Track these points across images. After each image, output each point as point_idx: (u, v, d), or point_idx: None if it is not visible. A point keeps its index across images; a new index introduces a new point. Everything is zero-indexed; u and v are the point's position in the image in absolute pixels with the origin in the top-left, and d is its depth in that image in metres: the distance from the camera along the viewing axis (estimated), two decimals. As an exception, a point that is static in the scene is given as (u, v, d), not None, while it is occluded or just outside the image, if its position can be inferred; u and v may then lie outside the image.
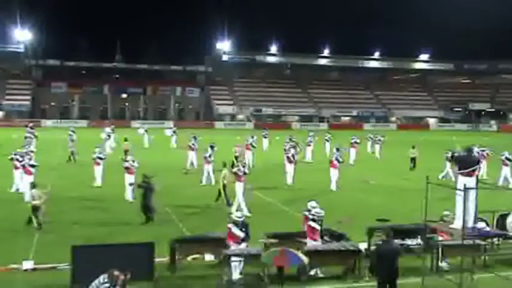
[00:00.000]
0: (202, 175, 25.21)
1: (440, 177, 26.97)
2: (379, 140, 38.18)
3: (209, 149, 26.57)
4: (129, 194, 20.57)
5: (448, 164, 27.86)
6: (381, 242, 10.99)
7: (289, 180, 25.56)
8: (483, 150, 28.75)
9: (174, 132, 44.81)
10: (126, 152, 33.04)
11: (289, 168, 25.92)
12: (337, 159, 24.93)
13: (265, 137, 42.22)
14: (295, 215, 17.14)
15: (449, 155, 27.66)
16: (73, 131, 39.94)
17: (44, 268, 12.19)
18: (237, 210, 15.94)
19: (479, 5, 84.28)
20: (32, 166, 20.67)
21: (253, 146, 32.43)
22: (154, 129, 49.62)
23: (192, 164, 29.70)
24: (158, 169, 29.23)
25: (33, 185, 16.70)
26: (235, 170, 19.44)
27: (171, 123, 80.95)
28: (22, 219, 16.25)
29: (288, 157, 26.31)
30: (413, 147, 33.31)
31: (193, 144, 30.30)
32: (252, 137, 33.97)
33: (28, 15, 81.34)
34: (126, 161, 21.38)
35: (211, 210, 19.02)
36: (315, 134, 40.70)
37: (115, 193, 21.34)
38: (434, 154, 36.43)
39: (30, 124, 45.35)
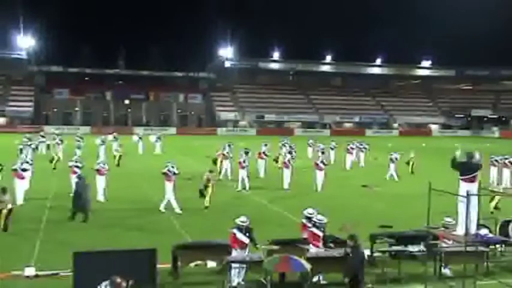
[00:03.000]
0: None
1: (387, 177, 29.87)
2: (364, 148, 37.63)
3: (243, 155, 26.85)
4: (100, 195, 21.40)
5: (392, 166, 30.44)
6: (349, 249, 10.92)
7: (286, 185, 26.03)
8: (506, 159, 28.59)
9: (158, 138, 44.59)
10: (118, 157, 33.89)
11: (286, 173, 26.35)
12: (322, 162, 26.14)
13: (284, 146, 39.47)
14: (293, 220, 17.11)
15: (393, 156, 30.68)
16: (81, 137, 40.14)
17: (46, 275, 12.18)
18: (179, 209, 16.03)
19: (480, 12, 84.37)
20: (24, 170, 20.73)
21: (265, 155, 31.16)
22: (124, 136, 48.98)
23: (226, 172, 28.79)
24: (161, 176, 29.42)
25: (4, 190, 16.63)
26: (164, 170, 19.97)
27: (173, 130, 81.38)
28: (23, 226, 16.25)
29: (284, 162, 26.94)
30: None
31: (227, 153, 29.53)
32: (265, 145, 33.34)
33: (31, 22, 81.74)
34: (98, 163, 22.08)
35: (214, 217, 19.00)
36: (315, 141, 40.70)
37: (115, 199, 21.34)
38: (437, 160, 36.47)
39: (57, 131, 45.36)
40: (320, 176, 25.81)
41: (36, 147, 38.65)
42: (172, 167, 19.99)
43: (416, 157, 33.97)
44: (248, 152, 28.59)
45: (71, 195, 19.26)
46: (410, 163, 33.19)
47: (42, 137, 42.44)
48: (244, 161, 25.76)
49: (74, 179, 21.53)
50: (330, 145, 38.10)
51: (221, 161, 30.05)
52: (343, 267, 10.98)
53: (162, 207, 19.67)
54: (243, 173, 25.58)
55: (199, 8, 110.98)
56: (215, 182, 21.17)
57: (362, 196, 24.69)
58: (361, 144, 37.48)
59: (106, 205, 20.69)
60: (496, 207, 19.99)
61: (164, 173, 19.81)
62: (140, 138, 43.81)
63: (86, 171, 22.27)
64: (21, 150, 35.85)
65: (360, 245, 10.79)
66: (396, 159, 30.90)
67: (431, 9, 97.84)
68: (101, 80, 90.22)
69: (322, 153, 30.88)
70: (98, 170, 21.59)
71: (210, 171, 21.48)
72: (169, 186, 19.69)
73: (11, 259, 13.23)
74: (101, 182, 21.53)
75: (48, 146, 39.34)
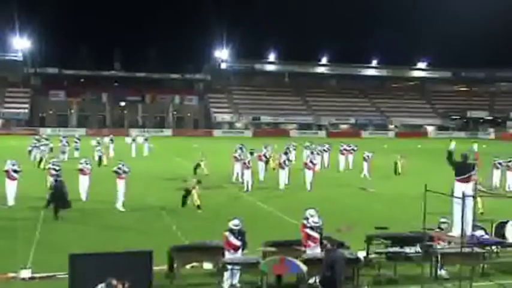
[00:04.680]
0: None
1: (362, 176, 31.02)
2: (353, 149, 36.85)
3: (248, 155, 27.20)
4: (83, 195, 21.75)
5: (365, 164, 31.66)
6: (327, 251, 10.84)
7: (282, 186, 26.25)
8: (509, 161, 28.38)
9: (145, 139, 44.46)
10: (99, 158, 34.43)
11: (282, 174, 26.57)
12: (311, 162, 27.06)
13: (293, 150, 37.88)
14: (289, 222, 17.13)
15: (366, 155, 31.93)
16: (78, 139, 40.25)
17: (42, 277, 12.15)
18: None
19: (476, 14, 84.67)
20: (15, 172, 20.79)
21: (265, 157, 30.52)
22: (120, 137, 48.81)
23: (237, 175, 28.12)
24: (156, 178, 29.43)
25: None
26: (115, 168, 20.80)
27: (169, 131, 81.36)
28: (19, 227, 16.21)
29: (279, 163, 27.04)
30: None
31: (239, 155, 28.64)
32: (266, 147, 32.68)
33: (27, 24, 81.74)
34: (81, 163, 22.49)
35: (210, 218, 18.98)
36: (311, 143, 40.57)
37: (110, 201, 21.30)
38: (433, 162, 36.54)
39: (62, 133, 45.24)
40: (309, 175, 26.44)
41: (42, 151, 38.61)
42: (123, 165, 20.83)
43: (404, 159, 34.42)
44: (253, 153, 28.79)
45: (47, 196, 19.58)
46: (399, 164, 33.48)
47: (46, 139, 42.27)
48: (248, 162, 26.16)
49: (50, 180, 21.79)
50: (324, 147, 37.73)
51: (203, 165, 30.55)
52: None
53: (120, 207, 20.13)
54: (247, 174, 25.87)
55: (195, 10, 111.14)
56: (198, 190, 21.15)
57: (358, 197, 24.72)
58: (349, 146, 37.13)
59: (101, 207, 20.65)
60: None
61: (115, 171, 20.52)
62: (133, 140, 43.76)
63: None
64: (29, 151, 36.02)
65: (335, 249, 10.72)
66: (368, 157, 31.88)
67: (427, 11, 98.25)
68: (97, 82, 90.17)
69: (311, 153, 31.20)
70: (81, 170, 22.03)
71: (199, 182, 21.42)
72: (121, 183, 20.28)
73: (6, 261, 13.19)
74: (84, 181, 22.01)
75: (51, 149, 39.38)
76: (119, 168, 20.58)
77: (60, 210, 18.45)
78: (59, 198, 18.72)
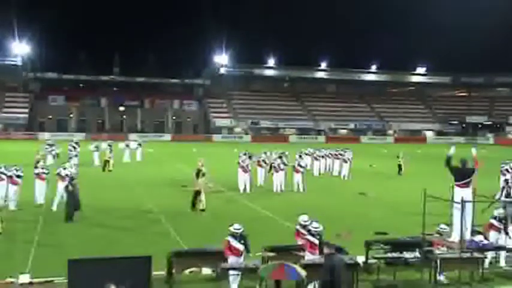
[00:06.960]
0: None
1: (343, 178, 32.21)
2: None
3: (247, 160, 27.34)
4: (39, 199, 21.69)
5: (346, 166, 32.81)
6: (326, 256, 10.79)
7: (275, 189, 26.61)
8: None
9: (139, 145, 43.90)
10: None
11: (276, 177, 26.99)
12: (299, 165, 27.61)
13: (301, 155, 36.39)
14: (287, 226, 17.09)
15: (346, 157, 33.28)
16: (77, 143, 40.23)
17: (41, 282, 12.12)
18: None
19: (475, 19, 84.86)
20: (18, 177, 20.82)
21: (265, 163, 30.08)
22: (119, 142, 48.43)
23: (244, 183, 26.96)
24: (155, 183, 29.39)
25: None
26: (58, 171, 21.15)
27: (169, 136, 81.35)
28: (18, 232, 16.17)
29: (274, 167, 27.45)
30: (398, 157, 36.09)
31: (242, 161, 27.86)
32: (265, 153, 32.07)
33: (26, 28, 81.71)
34: (65, 168, 22.23)
35: (209, 223, 18.98)
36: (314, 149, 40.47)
37: (108, 206, 21.31)
38: (431, 167, 36.54)
39: (74, 139, 45.02)
40: (298, 178, 27.04)
41: (54, 156, 38.57)
42: (64, 168, 21.18)
43: (404, 159, 35.64)
44: (251, 157, 28.90)
45: (64, 199, 19.59)
46: (402, 165, 34.73)
47: (51, 145, 42.20)
48: (247, 166, 26.60)
49: (39, 185, 21.73)
50: (321, 153, 37.40)
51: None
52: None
53: (54, 207, 20.33)
54: (245, 177, 26.26)
55: (194, 15, 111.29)
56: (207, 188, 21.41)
57: (357, 202, 24.67)
58: (344, 151, 36.63)
59: (100, 212, 20.63)
60: None
61: (58, 174, 20.77)
62: (127, 145, 43.54)
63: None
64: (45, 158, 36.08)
65: (335, 253, 10.70)
66: (349, 159, 33.20)
67: (426, 16, 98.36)
68: (96, 87, 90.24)
69: (300, 156, 31.47)
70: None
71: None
72: (61, 186, 20.39)
73: (5, 266, 13.17)
74: (40, 186, 21.77)
75: (57, 155, 39.31)
76: (61, 171, 20.93)
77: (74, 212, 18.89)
78: (71, 200, 19.11)
